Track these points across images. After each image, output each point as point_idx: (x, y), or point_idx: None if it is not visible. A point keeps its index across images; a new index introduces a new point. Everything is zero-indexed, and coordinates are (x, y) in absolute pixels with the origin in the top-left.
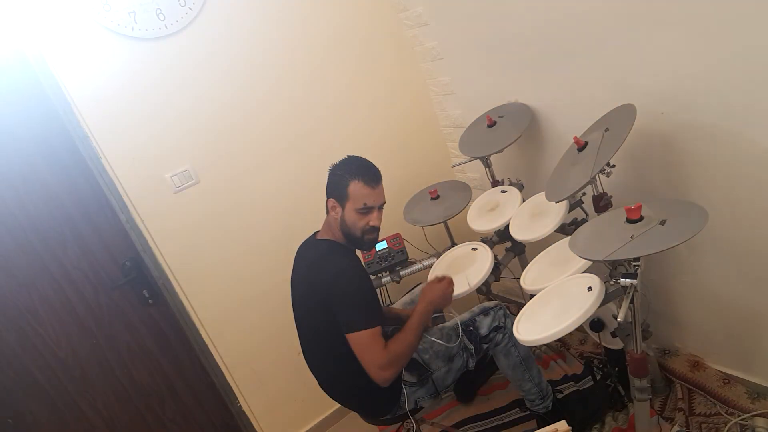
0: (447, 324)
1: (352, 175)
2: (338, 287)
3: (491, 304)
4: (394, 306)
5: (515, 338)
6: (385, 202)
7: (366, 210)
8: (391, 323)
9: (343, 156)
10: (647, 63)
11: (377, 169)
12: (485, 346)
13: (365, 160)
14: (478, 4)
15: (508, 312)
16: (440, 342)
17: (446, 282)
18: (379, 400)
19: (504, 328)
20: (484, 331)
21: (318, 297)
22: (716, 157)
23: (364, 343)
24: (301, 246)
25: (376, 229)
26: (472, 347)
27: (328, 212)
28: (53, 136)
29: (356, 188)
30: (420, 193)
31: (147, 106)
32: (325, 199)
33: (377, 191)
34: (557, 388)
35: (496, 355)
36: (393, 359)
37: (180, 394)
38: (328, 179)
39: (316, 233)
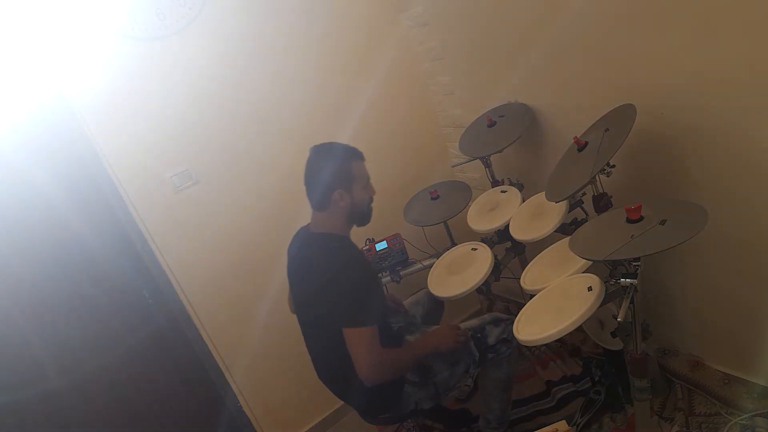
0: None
1: (349, 158)
2: (340, 282)
3: (504, 316)
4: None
5: (511, 357)
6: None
7: (367, 183)
8: (391, 314)
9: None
10: (647, 63)
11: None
12: (490, 355)
13: (336, 143)
14: (478, 4)
15: (511, 323)
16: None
17: (461, 338)
18: (379, 399)
19: (510, 343)
20: (491, 340)
21: (319, 290)
22: (716, 157)
23: (357, 339)
24: (295, 239)
25: (372, 199)
26: (477, 354)
27: (326, 208)
28: (52, 136)
29: (357, 168)
30: (420, 193)
31: (147, 105)
32: (319, 198)
33: (365, 163)
34: (556, 388)
35: (487, 364)
36: (382, 365)
37: (180, 394)
38: (327, 175)
39: (308, 226)
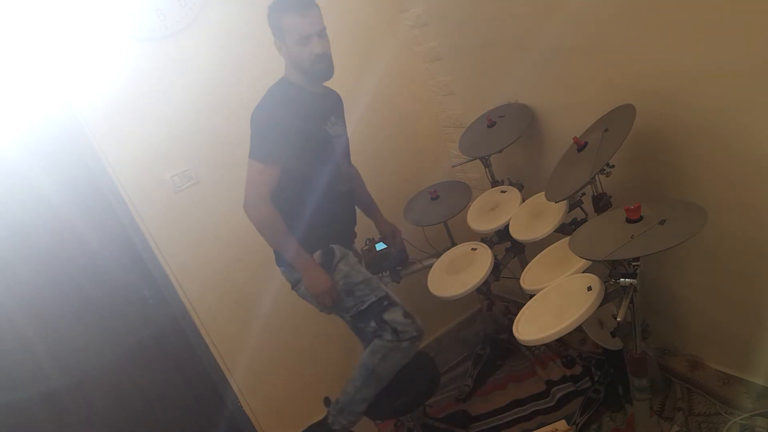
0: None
1: (282, 10)
2: (253, 114)
3: (417, 322)
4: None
5: (392, 356)
6: (324, 28)
7: (304, 40)
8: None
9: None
10: (647, 63)
11: None
12: (370, 326)
13: None
14: (478, 5)
15: (417, 338)
16: (361, 279)
17: (326, 299)
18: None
19: (398, 338)
20: (388, 317)
21: None
22: (716, 157)
23: (249, 171)
24: None
25: (323, 57)
26: (363, 307)
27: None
28: (51, 135)
29: (288, 21)
30: (420, 193)
31: (147, 105)
32: None
33: (309, 19)
34: (556, 388)
35: (369, 344)
36: (259, 211)
37: (180, 394)
38: (268, 22)
39: None
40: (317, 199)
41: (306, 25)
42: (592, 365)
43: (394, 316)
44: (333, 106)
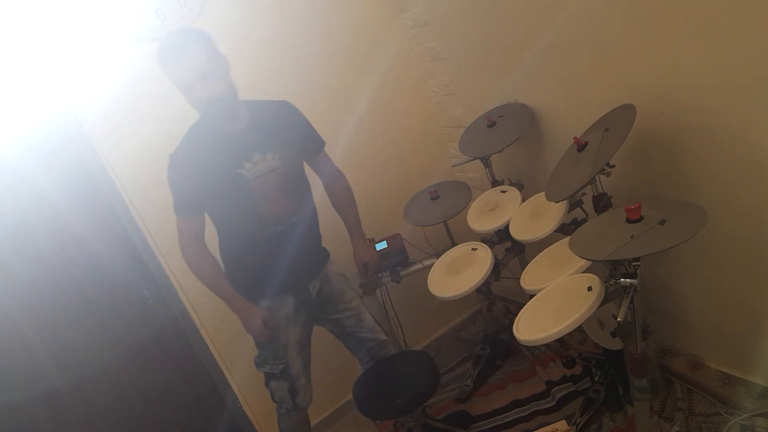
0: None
1: (158, 61)
2: (168, 163)
3: (298, 399)
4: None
5: (280, 419)
6: (210, 70)
7: (186, 89)
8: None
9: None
10: (647, 63)
11: (182, 38)
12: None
13: (170, 38)
14: (478, 5)
15: (291, 412)
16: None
17: (261, 335)
18: None
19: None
20: (272, 385)
21: None
22: (716, 157)
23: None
24: None
25: (215, 101)
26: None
27: None
28: (51, 136)
29: (166, 73)
30: (420, 193)
31: (147, 105)
32: None
33: (183, 65)
34: (556, 388)
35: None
36: (191, 260)
37: (180, 394)
38: None
39: None
40: (244, 246)
41: (180, 74)
42: (593, 365)
43: (277, 387)
44: (259, 140)
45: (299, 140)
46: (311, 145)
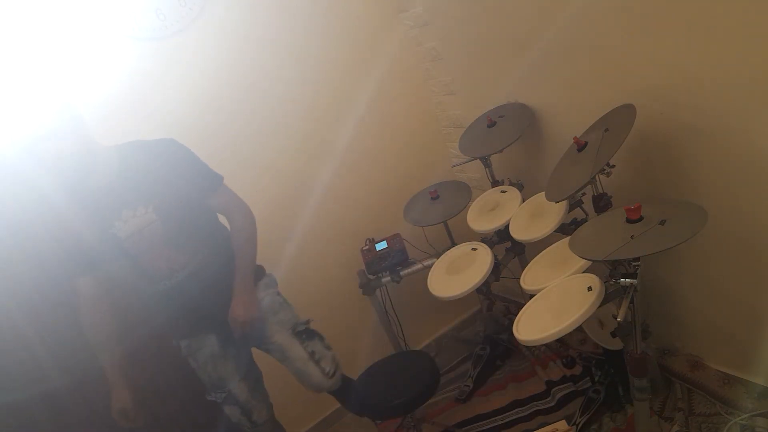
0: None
1: None
2: None
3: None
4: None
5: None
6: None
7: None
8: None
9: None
10: (647, 63)
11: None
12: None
13: None
14: (478, 5)
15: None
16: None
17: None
18: None
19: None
20: (227, 411)
21: None
22: (716, 157)
23: None
24: None
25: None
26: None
27: None
28: (53, 136)
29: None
30: (420, 193)
31: (147, 106)
32: None
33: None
34: (556, 388)
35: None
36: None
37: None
38: None
39: None
40: (141, 301)
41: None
42: (592, 365)
43: (230, 411)
44: (128, 194)
45: (185, 183)
46: (204, 183)
